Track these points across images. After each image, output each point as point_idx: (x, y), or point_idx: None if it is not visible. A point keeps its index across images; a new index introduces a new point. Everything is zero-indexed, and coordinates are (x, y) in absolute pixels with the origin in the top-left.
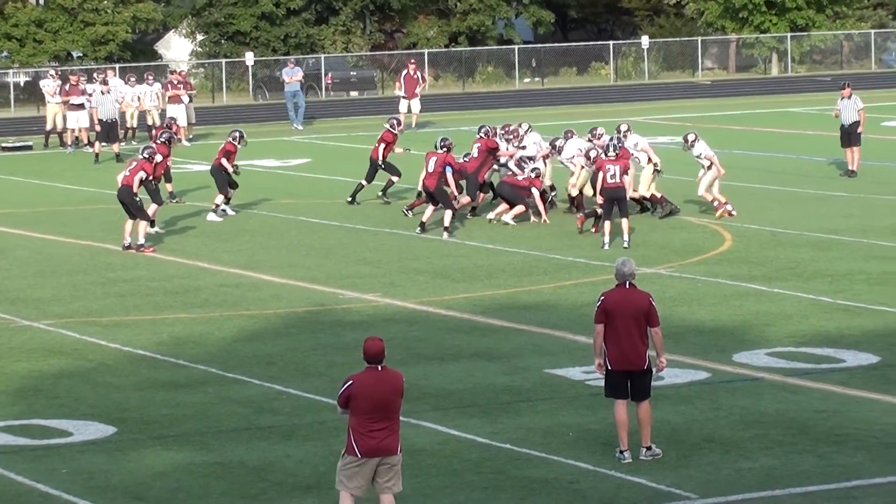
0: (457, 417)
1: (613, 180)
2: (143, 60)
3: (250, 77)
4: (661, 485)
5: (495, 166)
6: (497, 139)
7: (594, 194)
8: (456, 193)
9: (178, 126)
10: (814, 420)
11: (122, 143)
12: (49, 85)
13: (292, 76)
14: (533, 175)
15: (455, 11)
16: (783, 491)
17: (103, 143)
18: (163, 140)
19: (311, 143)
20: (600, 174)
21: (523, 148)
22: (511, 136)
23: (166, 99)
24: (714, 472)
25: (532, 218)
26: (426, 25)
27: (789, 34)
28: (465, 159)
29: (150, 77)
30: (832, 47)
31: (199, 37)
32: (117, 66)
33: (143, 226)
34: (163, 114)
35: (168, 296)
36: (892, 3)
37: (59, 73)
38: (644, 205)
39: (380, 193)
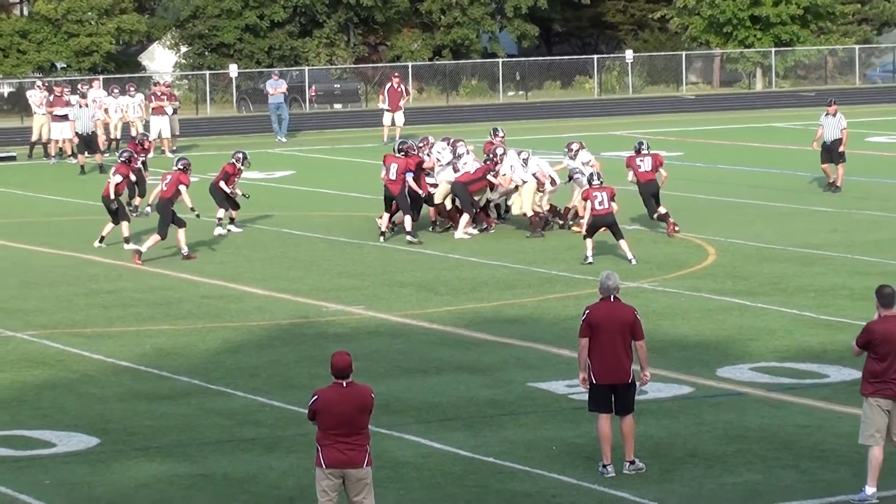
0: (440, 430)
1: (602, 206)
2: (127, 72)
3: (234, 89)
4: (645, 499)
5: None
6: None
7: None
8: (421, 193)
9: (149, 141)
10: (797, 435)
11: (106, 154)
12: (36, 96)
13: (276, 88)
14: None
15: (439, 25)
16: None
17: (87, 155)
18: (122, 159)
19: (294, 156)
20: (587, 203)
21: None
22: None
23: (150, 110)
24: (697, 487)
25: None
26: (410, 38)
27: (773, 49)
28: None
29: (132, 88)
30: (816, 62)
31: (183, 48)
32: (101, 77)
33: (153, 238)
34: (146, 125)
35: (151, 307)
36: (876, 18)
37: (46, 84)
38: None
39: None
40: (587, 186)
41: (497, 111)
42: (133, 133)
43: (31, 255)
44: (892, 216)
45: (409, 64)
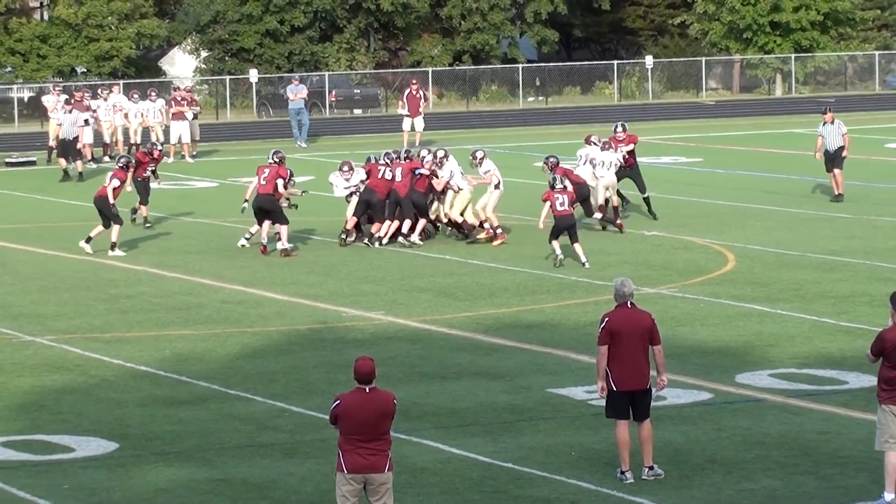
0: (459, 436)
1: (563, 208)
2: (147, 76)
3: (254, 94)
4: None
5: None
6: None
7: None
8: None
9: (160, 151)
10: (816, 442)
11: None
12: (50, 100)
13: (296, 93)
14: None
15: (459, 30)
16: None
17: (66, 163)
18: (120, 165)
19: (314, 161)
20: (547, 204)
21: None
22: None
23: (170, 115)
24: (716, 493)
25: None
26: (430, 44)
27: (793, 55)
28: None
29: (154, 93)
30: (836, 68)
31: (204, 53)
32: (121, 82)
33: (286, 230)
34: (167, 130)
35: (170, 312)
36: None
37: (62, 88)
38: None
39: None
40: (610, 179)
41: (517, 116)
42: (153, 138)
43: (51, 260)
44: None
45: (430, 69)
